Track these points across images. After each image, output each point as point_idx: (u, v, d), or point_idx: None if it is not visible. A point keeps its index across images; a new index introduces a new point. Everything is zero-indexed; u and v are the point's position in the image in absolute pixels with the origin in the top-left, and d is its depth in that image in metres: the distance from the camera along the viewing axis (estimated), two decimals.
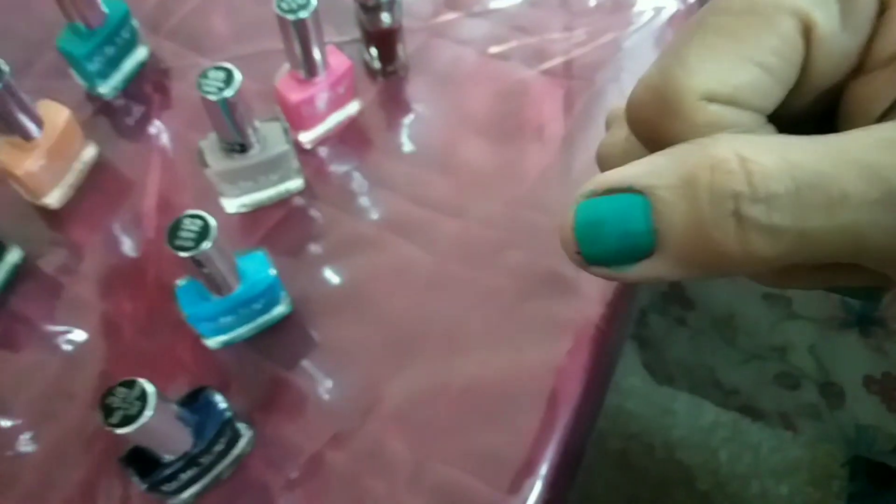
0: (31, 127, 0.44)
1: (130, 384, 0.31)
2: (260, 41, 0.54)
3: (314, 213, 0.48)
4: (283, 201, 0.47)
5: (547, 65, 0.52)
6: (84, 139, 0.49)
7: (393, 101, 0.52)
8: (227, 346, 0.43)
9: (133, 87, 0.53)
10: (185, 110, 0.52)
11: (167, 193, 0.48)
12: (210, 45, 0.54)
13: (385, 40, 0.49)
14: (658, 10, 0.54)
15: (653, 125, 0.17)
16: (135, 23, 0.51)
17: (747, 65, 0.16)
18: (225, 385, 0.41)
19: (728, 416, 0.98)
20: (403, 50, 0.51)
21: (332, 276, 0.45)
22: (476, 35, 0.54)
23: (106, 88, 0.52)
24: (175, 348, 0.43)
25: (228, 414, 0.36)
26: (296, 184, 0.47)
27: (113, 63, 0.51)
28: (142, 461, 0.34)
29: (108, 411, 0.30)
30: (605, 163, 0.21)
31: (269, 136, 0.43)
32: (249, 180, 0.45)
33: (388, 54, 0.50)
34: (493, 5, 0.55)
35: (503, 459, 0.39)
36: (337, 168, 0.49)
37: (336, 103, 0.48)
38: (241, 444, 0.38)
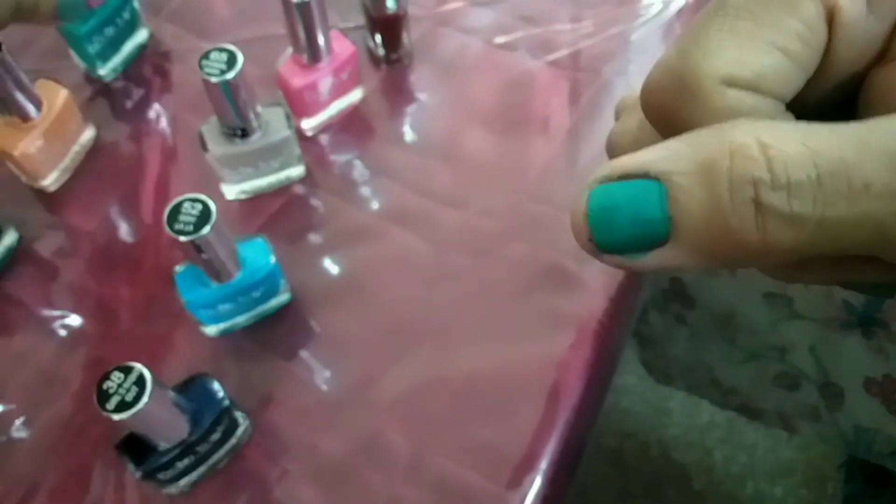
0: (28, 107, 0.43)
1: (127, 369, 0.30)
2: (262, 25, 0.53)
3: (315, 201, 0.47)
4: (283, 189, 0.47)
5: (553, 56, 0.51)
6: (82, 121, 0.48)
7: (396, 90, 0.51)
8: (225, 334, 0.42)
9: (133, 70, 0.52)
10: (186, 94, 0.51)
11: (166, 178, 0.48)
12: (211, 28, 0.54)
13: (390, 27, 0.49)
14: (667, 3, 0.53)
15: (669, 109, 0.17)
16: (136, 4, 0.51)
17: (768, 49, 0.16)
18: (222, 373, 0.40)
19: (724, 416, 0.98)
20: (408, 38, 0.50)
21: (331, 265, 0.45)
22: (482, 24, 0.53)
23: (105, 70, 0.51)
24: (172, 335, 0.42)
25: (226, 402, 0.35)
26: (297, 171, 0.46)
27: (113, 44, 0.50)
28: (137, 448, 0.34)
29: (104, 396, 0.30)
30: (615, 150, 0.21)
31: (270, 122, 0.42)
32: (250, 166, 0.44)
33: (392, 42, 0.50)
34: None
35: (503, 453, 0.39)
36: (338, 156, 0.48)
37: (339, 90, 0.47)
38: (238, 433, 0.38)
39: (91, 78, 0.51)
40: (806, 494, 0.95)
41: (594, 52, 0.51)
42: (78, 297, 0.44)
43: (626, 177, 0.15)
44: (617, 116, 0.22)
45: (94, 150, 0.49)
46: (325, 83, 0.46)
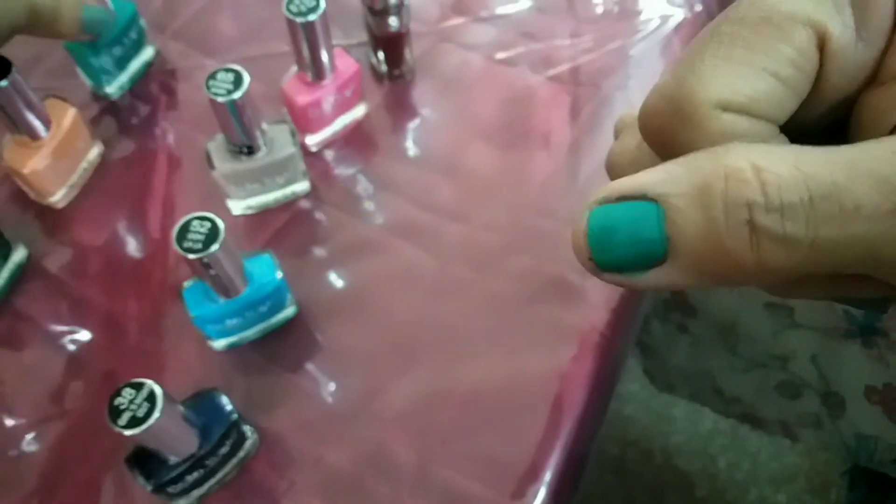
0: (37, 126, 0.44)
1: (138, 385, 0.31)
2: (267, 43, 0.54)
3: (319, 215, 0.48)
4: (288, 204, 0.47)
5: (554, 71, 0.52)
6: (90, 138, 0.49)
7: (399, 105, 0.52)
8: (232, 348, 0.43)
9: (139, 87, 0.53)
10: (192, 111, 0.52)
11: (173, 194, 0.48)
12: (217, 46, 0.54)
13: (392, 44, 0.49)
14: (665, 19, 0.54)
15: (666, 133, 0.17)
16: (142, 22, 0.51)
17: (762, 74, 0.16)
18: (230, 387, 0.41)
19: (727, 424, 0.98)
20: (410, 54, 0.51)
21: (336, 279, 0.45)
22: (483, 40, 0.54)
23: (112, 88, 0.52)
24: (180, 350, 0.43)
25: (234, 416, 0.36)
26: (302, 186, 0.47)
27: (120, 63, 0.51)
28: (147, 462, 0.34)
29: (115, 412, 0.30)
30: (614, 170, 0.21)
31: (276, 139, 0.43)
32: (256, 182, 0.45)
33: (395, 58, 0.50)
34: (500, 11, 0.55)
35: (507, 465, 0.39)
36: (342, 171, 0.49)
37: (343, 106, 0.48)
38: (247, 446, 0.38)
39: (98, 95, 0.52)
40: (809, 501, 0.95)
41: (594, 67, 0.52)
42: (86, 313, 0.44)
43: (624, 198, 0.16)
44: (616, 134, 0.23)
45: (102, 167, 0.50)
46: (329, 100, 0.46)
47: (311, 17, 0.41)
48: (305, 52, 0.43)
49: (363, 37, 0.51)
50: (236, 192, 0.45)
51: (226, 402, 0.36)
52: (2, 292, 0.44)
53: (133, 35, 0.51)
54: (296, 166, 0.45)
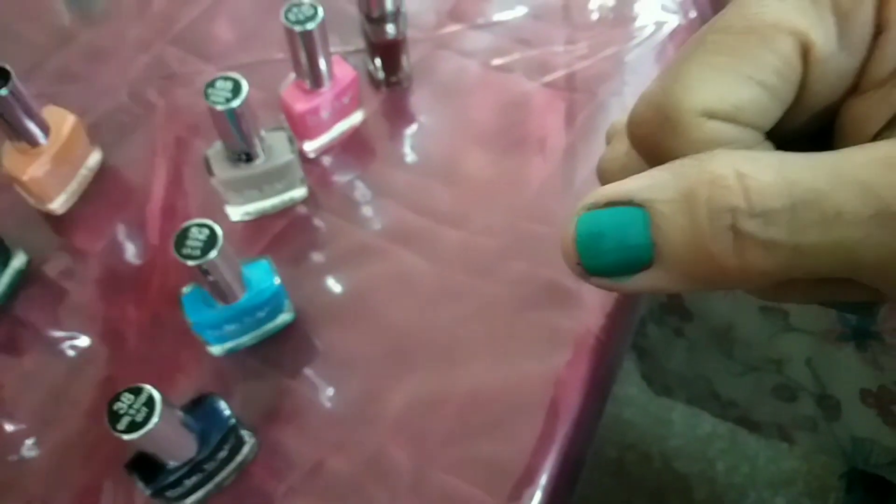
0: (37, 133, 0.44)
1: (137, 391, 0.31)
2: (264, 49, 0.54)
3: (317, 221, 0.48)
4: (286, 210, 0.48)
5: (549, 77, 0.53)
6: (89, 145, 0.49)
7: (396, 112, 0.52)
8: (230, 353, 0.43)
9: (137, 92, 0.53)
10: (190, 117, 0.52)
11: (172, 200, 0.49)
12: (215, 52, 0.55)
13: (389, 51, 0.50)
14: (659, 25, 0.55)
15: (653, 140, 0.17)
16: None
17: (747, 83, 0.17)
18: (228, 392, 0.41)
19: (725, 427, 0.98)
20: (407, 61, 0.51)
21: (334, 284, 0.46)
22: (479, 47, 0.54)
23: None
24: (179, 355, 0.43)
25: (233, 421, 0.36)
26: (300, 192, 0.47)
27: None
28: (146, 467, 0.34)
29: (114, 417, 0.30)
30: (605, 176, 0.22)
31: (274, 146, 0.43)
32: (254, 189, 0.45)
33: (392, 65, 0.51)
34: (496, 18, 0.56)
35: (504, 469, 0.39)
36: (340, 177, 0.49)
37: (340, 113, 0.49)
38: (245, 450, 0.39)
39: (97, 101, 0.52)
40: None
41: (589, 73, 0.52)
42: (86, 318, 0.45)
43: (612, 204, 0.16)
44: (608, 141, 0.23)
45: (101, 174, 0.50)
46: (327, 107, 0.47)
47: (309, 26, 0.41)
48: (303, 60, 0.43)
49: (360, 44, 0.52)
50: (235, 199, 0.45)
51: (224, 407, 0.36)
52: (2, 298, 0.45)
53: None
54: (294, 173, 0.45)
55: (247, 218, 0.47)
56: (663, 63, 0.52)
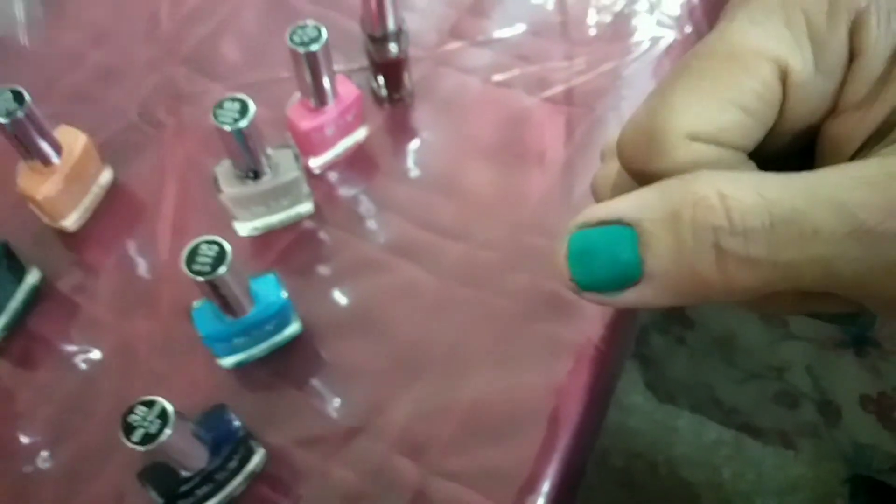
0: (50, 153, 0.46)
1: (150, 403, 0.32)
2: (270, 69, 0.55)
3: (323, 235, 0.49)
4: (293, 225, 0.49)
5: (548, 92, 0.54)
6: (101, 163, 0.50)
7: (399, 128, 0.54)
8: (240, 366, 0.44)
9: (147, 111, 0.54)
10: (198, 134, 0.53)
11: (181, 216, 0.50)
12: (222, 72, 0.56)
13: (392, 70, 0.51)
14: (656, 41, 0.56)
15: (641, 162, 0.18)
16: None
17: (729, 106, 0.17)
18: (238, 404, 0.42)
19: (730, 435, 0.98)
20: (409, 78, 0.53)
21: (340, 297, 0.47)
22: (480, 64, 0.55)
23: None
24: (189, 368, 0.44)
25: (242, 432, 0.37)
26: (306, 208, 0.49)
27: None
28: (158, 478, 0.35)
29: (128, 429, 0.32)
30: (598, 193, 0.23)
31: (281, 163, 0.45)
32: (262, 205, 0.46)
33: (394, 83, 0.52)
34: (496, 35, 0.57)
35: (507, 476, 0.40)
36: (345, 192, 0.51)
37: (344, 130, 0.50)
38: (254, 460, 0.40)
39: (107, 121, 0.54)
40: None
41: (587, 88, 0.54)
42: (98, 332, 0.46)
43: (602, 223, 0.17)
44: (602, 159, 0.24)
45: (113, 191, 0.51)
46: (332, 125, 0.48)
47: (314, 48, 0.42)
48: (308, 80, 0.45)
49: (364, 62, 0.53)
50: (242, 215, 0.47)
51: (234, 419, 0.37)
52: (17, 314, 0.46)
53: None
54: (300, 189, 0.47)
55: (254, 233, 0.48)
56: (660, 78, 0.53)
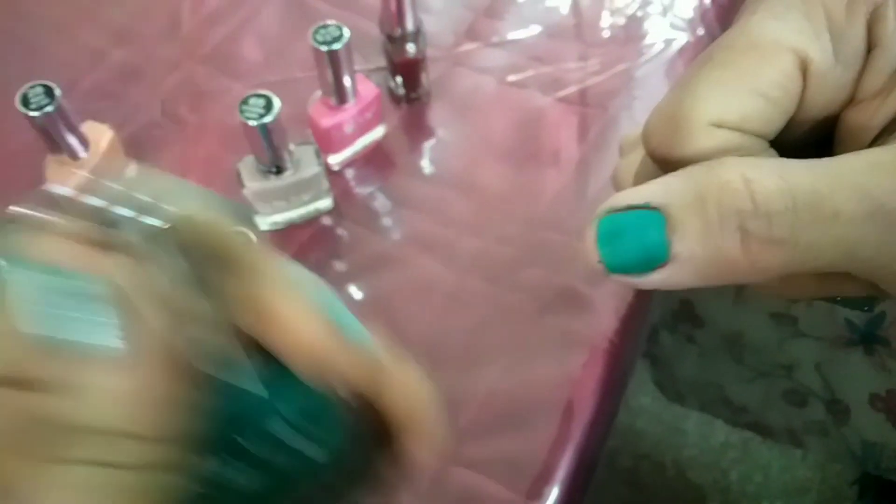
0: (78, 147, 0.47)
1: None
2: (289, 68, 0.56)
3: (341, 231, 0.50)
4: (312, 220, 0.50)
5: (562, 93, 0.55)
6: (125, 158, 0.51)
7: (416, 126, 0.55)
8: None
9: (170, 109, 0.56)
10: (220, 131, 0.54)
11: None
12: (243, 71, 0.57)
13: (410, 69, 0.52)
14: (668, 42, 0.57)
15: (666, 148, 0.19)
16: None
17: (751, 95, 0.18)
18: None
19: (738, 436, 0.99)
20: (426, 78, 0.54)
21: (357, 291, 0.48)
22: (495, 64, 0.56)
23: None
24: None
25: None
26: (325, 203, 0.50)
27: None
28: None
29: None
30: (621, 184, 0.23)
31: (302, 159, 0.46)
32: (282, 200, 0.47)
33: (412, 82, 0.53)
34: (511, 36, 0.58)
35: (523, 466, 0.41)
36: (363, 189, 0.52)
37: (363, 128, 0.51)
38: None
39: (132, 117, 0.55)
40: None
41: (601, 88, 0.54)
42: None
43: (630, 207, 0.18)
44: (621, 152, 0.25)
45: None
46: (351, 123, 0.49)
47: (336, 46, 0.43)
48: (329, 78, 0.46)
49: (382, 62, 0.54)
50: (263, 209, 0.48)
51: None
52: None
53: None
54: (320, 184, 0.48)
55: (274, 227, 0.50)
56: (672, 79, 0.54)
